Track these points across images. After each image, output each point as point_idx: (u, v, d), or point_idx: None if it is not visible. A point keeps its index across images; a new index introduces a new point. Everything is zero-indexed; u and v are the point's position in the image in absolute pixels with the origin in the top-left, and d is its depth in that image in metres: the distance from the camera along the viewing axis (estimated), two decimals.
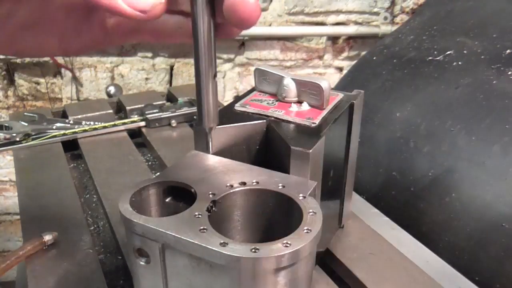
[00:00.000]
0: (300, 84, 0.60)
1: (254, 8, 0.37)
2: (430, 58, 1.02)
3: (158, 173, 0.42)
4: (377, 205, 0.80)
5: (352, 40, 1.80)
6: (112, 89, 1.35)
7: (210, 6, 0.40)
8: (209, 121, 0.47)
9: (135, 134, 1.07)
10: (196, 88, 0.44)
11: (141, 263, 0.44)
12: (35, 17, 0.41)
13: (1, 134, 0.96)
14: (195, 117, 1.10)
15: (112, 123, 1.04)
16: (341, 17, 1.75)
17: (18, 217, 1.50)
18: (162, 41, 0.47)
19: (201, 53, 0.42)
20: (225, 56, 1.75)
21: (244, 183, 0.48)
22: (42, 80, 1.73)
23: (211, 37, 0.42)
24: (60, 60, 1.66)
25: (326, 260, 0.67)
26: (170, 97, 1.26)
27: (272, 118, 0.57)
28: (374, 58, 1.15)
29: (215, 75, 0.44)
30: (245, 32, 1.69)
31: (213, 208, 0.45)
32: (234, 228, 0.50)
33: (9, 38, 0.41)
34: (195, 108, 1.10)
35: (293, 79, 0.60)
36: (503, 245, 0.74)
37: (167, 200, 0.50)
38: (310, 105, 0.60)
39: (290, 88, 0.60)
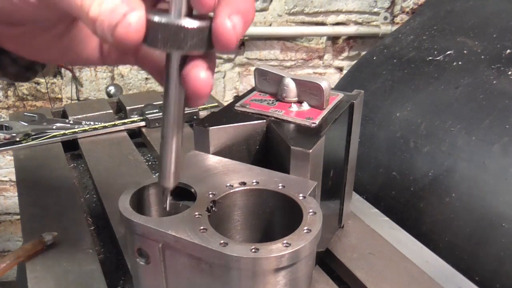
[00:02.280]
0: (300, 84, 0.60)
1: (205, 83, 0.36)
2: (430, 58, 1.02)
3: (158, 173, 0.42)
4: (377, 205, 0.80)
5: (352, 40, 1.80)
6: (112, 89, 1.35)
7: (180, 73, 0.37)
8: (166, 180, 0.42)
9: (135, 134, 1.07)
10: (161, 142, 0.41)
11: (141, 263, 0.44)
12: (80, 35, 0.45)
13: (1, 134, 0.96)
14: (195, 117, 1.10)
15: (112, 123, 1.04)
16: (341, 17, 1.76)
17: (18, 217, 1.50)
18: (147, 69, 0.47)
19: (169, 118, 0.39)
20: (225, 56, 1.75)
21: (244, 183, 0.48)
22: (42, 80, 1.73)
23: (181, 105, 0.39)
24: None
25: (326, 260, 0.67)
26: None
27: (272, 118, 0.57)
28: (374, 58, 1.15)
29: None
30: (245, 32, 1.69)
31: (213, 208, 0.45)
32: (234, 228, 0.50)
33: (60, 52, 0.45)
34: (195, 108, 1.10)
35: (293, 79, 0.60)
36: (503, 245, 0.74)
37: None
38: (310, 105, 0.60)
39: (290, 88, 0.60)
